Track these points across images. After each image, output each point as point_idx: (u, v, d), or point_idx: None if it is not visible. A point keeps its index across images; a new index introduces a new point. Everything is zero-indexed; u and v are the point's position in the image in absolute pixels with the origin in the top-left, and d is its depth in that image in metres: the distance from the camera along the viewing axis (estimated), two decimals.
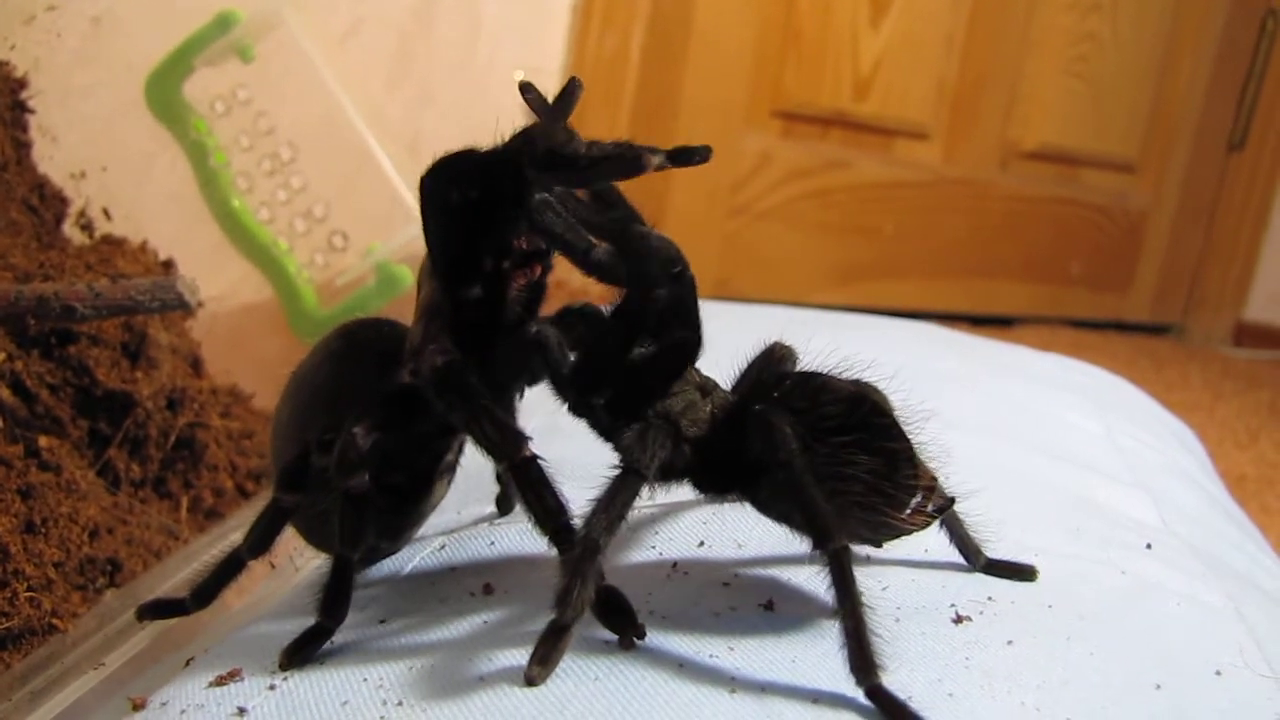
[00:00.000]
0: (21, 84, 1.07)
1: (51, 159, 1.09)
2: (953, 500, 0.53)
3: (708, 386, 0.55)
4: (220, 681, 0.50)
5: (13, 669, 0.70)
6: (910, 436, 0.51)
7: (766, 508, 0.54)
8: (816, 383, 0.52)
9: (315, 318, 1.11)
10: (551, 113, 0.53)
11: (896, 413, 0.52)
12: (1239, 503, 0.99)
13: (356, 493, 0.51)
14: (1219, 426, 2.05)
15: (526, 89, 0.55)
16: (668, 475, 0.54)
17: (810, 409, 0.50)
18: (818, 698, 0.45)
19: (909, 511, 0.51)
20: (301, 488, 0.54)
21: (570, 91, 0.54)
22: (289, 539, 0.67)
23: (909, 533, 0.52)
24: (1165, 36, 2.64)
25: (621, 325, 0.54)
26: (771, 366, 0.59)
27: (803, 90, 2.24)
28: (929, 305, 2.42)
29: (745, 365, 0.59)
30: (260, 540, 0.56)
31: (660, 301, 0.52)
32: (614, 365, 0.54)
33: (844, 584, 0.45)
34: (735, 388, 0.58)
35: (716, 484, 0.55)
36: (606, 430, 0.55)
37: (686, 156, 0.49)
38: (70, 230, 1.09)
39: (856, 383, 0.53)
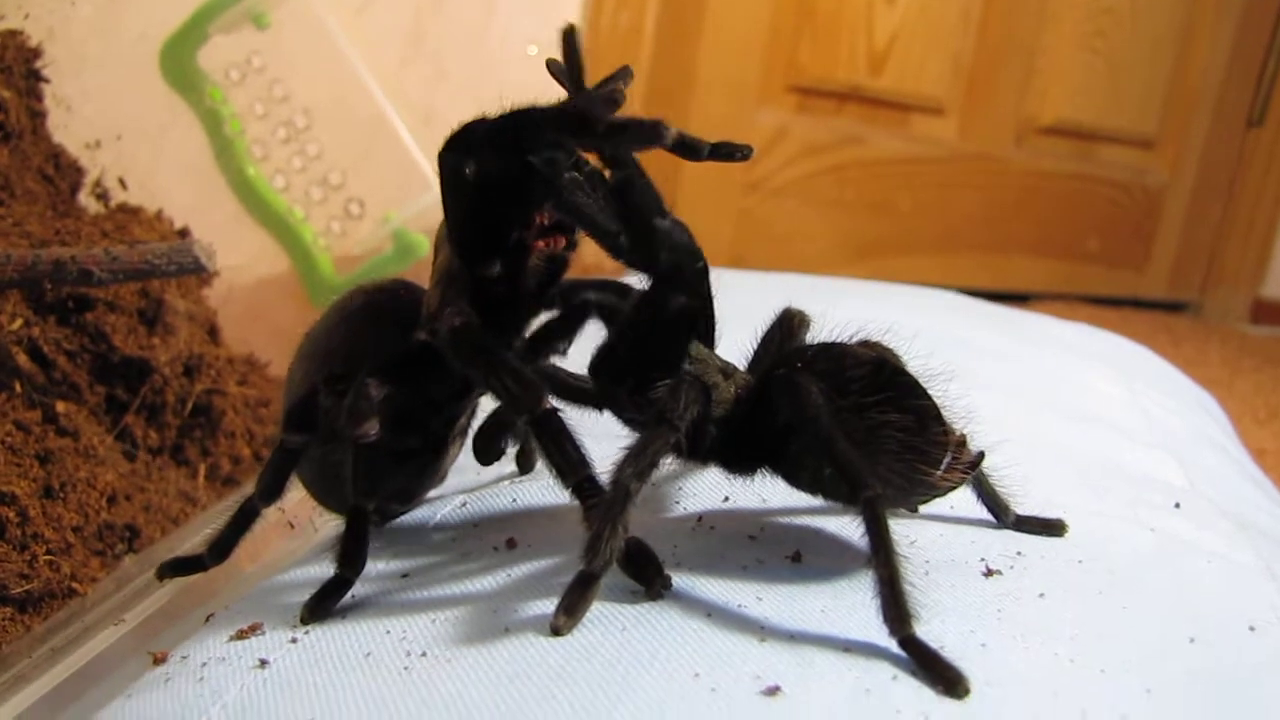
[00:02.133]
0: (36, 53, 1.06)
1: (66, 128, 1.08)
2: (982, 455, 0.53)
3: (729, 369, 0.55)
4: (241, 635, 0.50)
5: (33, 631, 0.69)
6: (933, 396, 0.51)
7: (797, 477, 0.53)
8: (837, 350, 0.52)
9: (332, 285, 1.11)
10: (577, 80, 0.53)
11: (915, 374, 0.51)
12: None
13: (366, 442, 0.51)
14: (1238, 402, 2.03)
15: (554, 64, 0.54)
16: (696, 455, 0.54)
17: (835, 374, 0.50)
18: (850, 647, 0.44)
19: (942, 470, 0.50)
20: (309, 428, 0.54)
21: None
22: (308, 501, 0.67)
23: (943, 492, 0.52)
24: (1184, 10, 2.61)
25: (645, 317, 0.54)
26: (788, 338, 0.58)
27: (818, 65, 2.22)
28: (944, 281, 2.38)
29: (762, 336, 0.59)
30: (271, 485, 0.55)
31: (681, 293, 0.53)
32: (638, 356, 0.54)
33: (878, 531, 0.45)
34: (754, 362, 0.58)
35: (745, 461, 0.54)
36: (631, 422, 0.55)
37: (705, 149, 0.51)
38: (86, 200, 1.09)
39: (875, 347, 0.53)
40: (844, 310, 0.58)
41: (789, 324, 0.59)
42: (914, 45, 2.28)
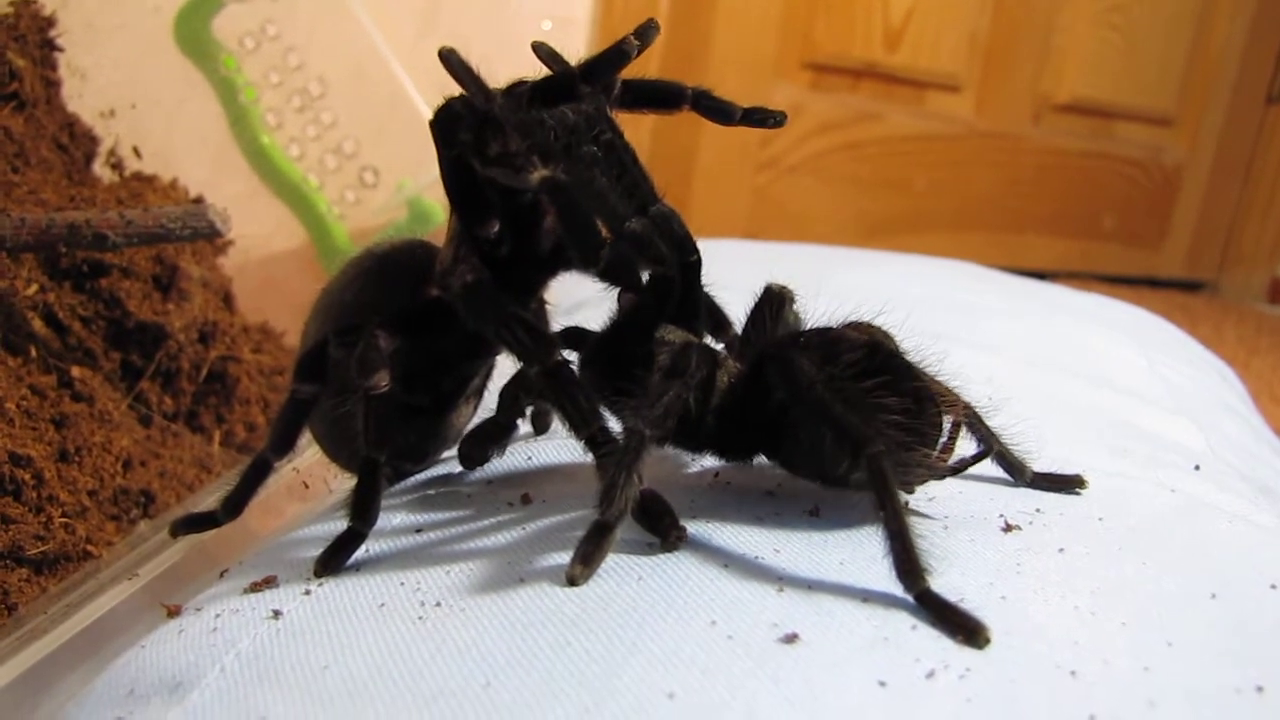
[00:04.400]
0: (50, 22, 1.06)
1: (81, 98, 1.08)
2: (984, 454, 0.54)
3: (720, 359, 0.55)
4: (255, 588, 0.50)
5: (49, 592, 0.69)
6: (928, 375, 0.51)
7: (795, 458, 0.53)
8: (830, 336, 0.51)
9: (346, 254, 1.10)
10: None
11: (908, 355, 0.52)
12: None
13: (377, 393, 0.51)
14: (1254, 380, 2.01)
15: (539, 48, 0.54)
16: (693, 445, 0.54)
17: (829, 360, 0.49)
18: (868, 597, 0.44)
19: (939, 451, 0.51)
20: (319, 378, 0.54)
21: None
22: (323, 462, 0.67)
23: (942, 475, 0.52)
24: None
25: (645, 309, 0.54)
26: (775, 317, 0.58)
27: (833, 41, 2.21)
28: (959, 259, 2.39)
29: (748, 317, 0.58)
30: (282, 437, 0.55)
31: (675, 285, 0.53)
32: (639, 347, 0.54)
33: (884, 487, 0.44)
34: (743, 344, 0.58)
35: (742, 447, 0.54)
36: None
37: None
38: (100, 169, 1.08)
39: (867, 330, 0.53)
40: (854, 278, 0.57)
41: (775, 302, 0.58)
42: (930, 22, 2.27)
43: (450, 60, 0.50)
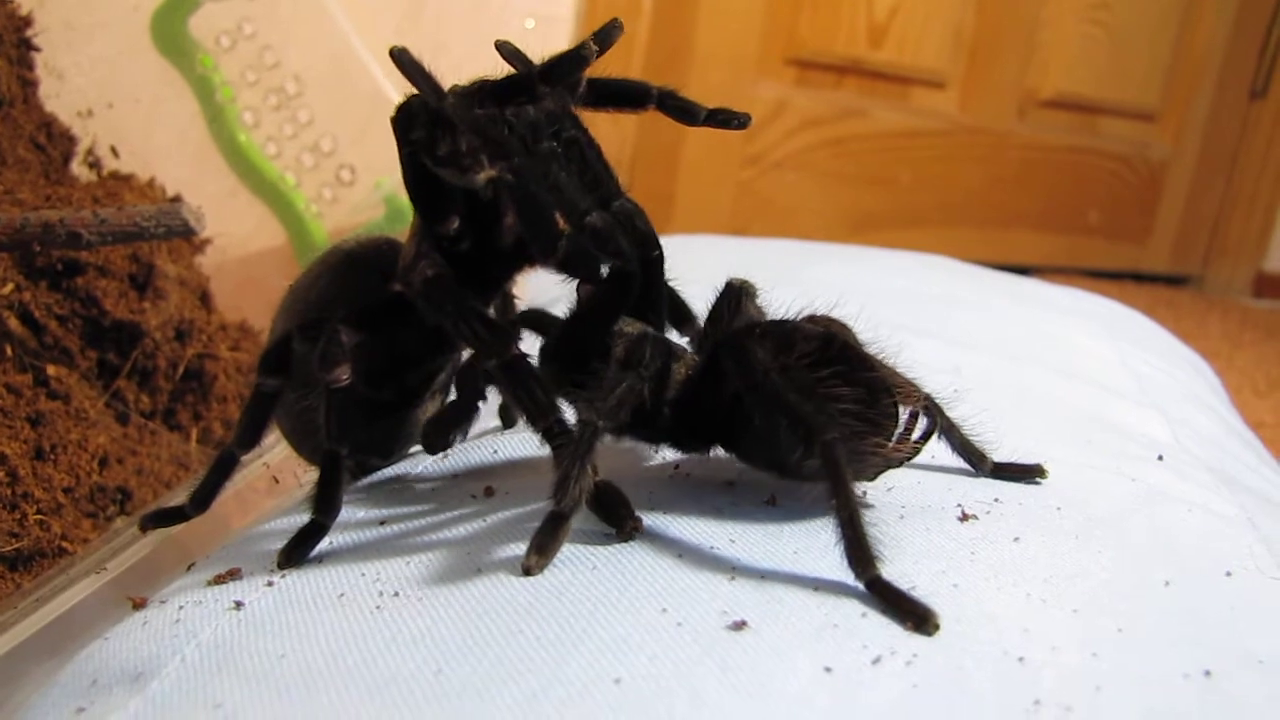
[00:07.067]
0: (27, 21, 1.06)
1: (58, 97, 1.08)
2: (935, 427, 0.54)
3: (678, 352, 0.55)
4: (219, 580, 0.50)
5: (23, 588, 0.70)
6: (885, 366, 0.52)
7: (750, 448, 0.53)
8: (787, 327, 0.52)
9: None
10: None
11: (866, 346, 0.52)
12: None
13: (338, 387, 0.51)
14: (1238, 374, 2.03)
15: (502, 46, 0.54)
16: (650, 436, 0.55)
17: (784, 351, 0.50)
18: (820, 585, 0.44)
19: (894, 441, 0.51)
20: (283, 372, 0.54)
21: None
22: (294, 458, 0.67)
23: (898, 463, 0.52)
24: None
25: (605, 302, 0.54)
26: (735, 311, 0.58)
27: (817, 38, 2.21)
28: (945, 254, 2.40)
29: (709, 312, 0.59)
30: (248, 431, 0.56)
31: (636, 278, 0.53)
32: (598, 339, 0.54)
33: (837, 474, 0.45)
34: (702, 339, 0.58)
35: (698, 439, 0.55)
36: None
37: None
38: (78, 169, 1.08)
39: (823, 322, 0.54)
40: (829, 272, 0.58)
41: (734, 296, 0.59)
42: (914, 17, 2.28)
43: (401, 59, 0.50)
